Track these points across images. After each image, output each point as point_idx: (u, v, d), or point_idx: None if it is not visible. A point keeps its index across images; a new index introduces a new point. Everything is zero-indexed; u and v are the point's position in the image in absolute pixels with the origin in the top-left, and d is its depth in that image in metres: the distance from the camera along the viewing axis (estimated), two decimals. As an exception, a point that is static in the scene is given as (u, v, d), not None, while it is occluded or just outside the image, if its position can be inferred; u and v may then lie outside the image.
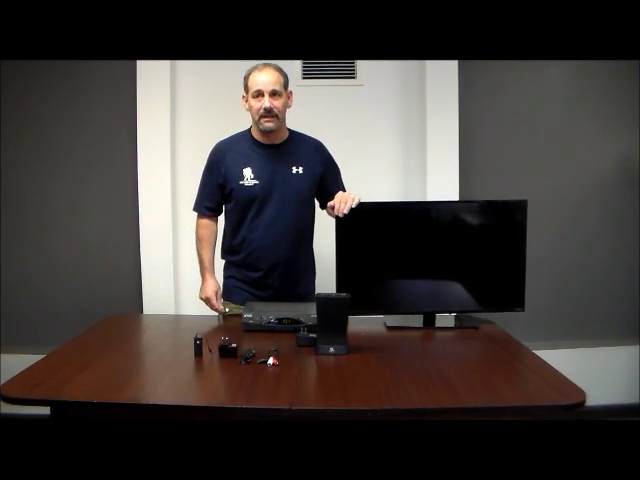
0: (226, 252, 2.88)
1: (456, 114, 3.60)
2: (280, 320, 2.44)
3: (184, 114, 3.71)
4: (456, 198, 3.55)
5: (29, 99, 3.64)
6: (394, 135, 3.76)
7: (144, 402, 1.79)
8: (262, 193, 2.70)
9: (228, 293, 2.87)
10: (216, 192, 2.80)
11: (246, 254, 2.78)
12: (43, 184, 3.71)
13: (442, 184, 3.61)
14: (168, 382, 1.94)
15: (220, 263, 2.92)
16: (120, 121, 3.66)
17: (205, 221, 2.87)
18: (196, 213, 2.89)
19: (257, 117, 2.66)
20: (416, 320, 2.61)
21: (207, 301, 2.80)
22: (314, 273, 2.96)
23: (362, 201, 2.52)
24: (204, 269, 2.86)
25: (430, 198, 3.56)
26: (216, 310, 2.79)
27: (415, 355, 2.30)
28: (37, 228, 3.73)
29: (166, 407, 1.77)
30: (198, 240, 2.88)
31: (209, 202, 2.83)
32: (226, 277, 2.90)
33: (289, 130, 2.81)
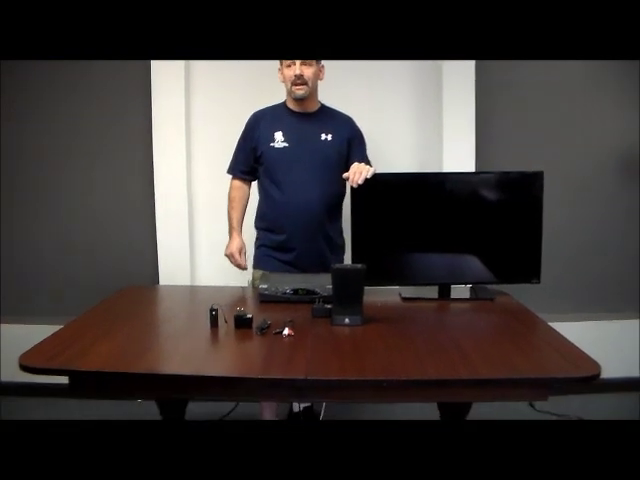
0: (258, 218, 2.97)
1: (472, 85, 3.55)
2: (296, 291, 2.45)
3: (199, 86, 3.67)
4: (472, 169, 3.53)
5: (41, 77, 3.62)
6: (410, 105, 3.72)
7: (160, 372, 1.82)
8: (291, 155, 2.80)
9: (258, 261, 2.95)
10: (250, 156, 2.91)
11: (273, 217, 2.86)
12: (58, 159, 3.70)
13: (458, 155, 3.58)
14: (184, 353, 1.95)
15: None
16: (134, 94, 3.63)
17: (238, 183, 2.98)
18: (230, 176, 3.00)
19: (289, 85, 2.78)
20: (431, 291, 2.61)
21: (231, 257, 2.91)
22: (343, 250, 3.00)
23: (377, 172, 2.51)
24: (232, 228, 2.95)
25: (446, 169, 3.53)
26: (239, 266, 2.90)
27: (430, 326, 2.30)
28: (54, 202, 3.74)
29: (182, 377, 1.78)
30: (230, 201, 2.98)
31: (243, 166, 2.95)
32: (257, 247, 2.97)
33: (321, 103, 2.92)
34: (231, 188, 2.98)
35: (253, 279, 2.92)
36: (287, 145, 2.80)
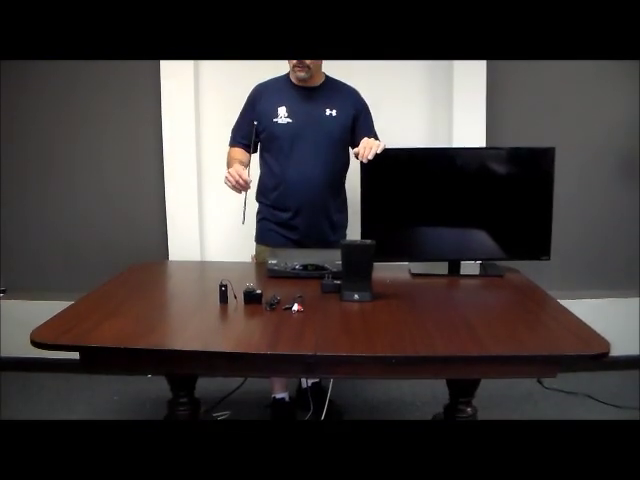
0: (260, 193, 2.92)
1: (484, 61, 3.53)
2: (305, 266, 2.45)
3: (207, 61, 3.65)
4: (483, 144, 3.50)
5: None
6: (420, 79, 3.69)
7: (170, 348, 1.82)
8: (295, 132, 2.75)
9: (261, 236, 2.92)
10: (251, 131, 2.82)
11: (277, 194, 2.82)
12: (69, 135, 3.70)
13: (469, 130, 3.55)
14: (193, 328, 1.96)
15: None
16: (143, 68, 3.61)
17: (237, 149, 2.87)
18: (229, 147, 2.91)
19: (291, 66, 2.73)
20: (441, 267, 2.61)
21: (233, 172, 2.52)
22: (345, 226, 2.98)
23: (387, 147, 2.50)
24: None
25: (456, 144, 3.51)
26: (240, 177, 2.49)
27: (440, 303, 2.30)
28: (64, 178, 3.74)
29: (191, 353, 1.79)
30: (229, 159, 2.83)
31: (243, 139, 2.87)
32: (258, 220, 2.94)
33: (326, 76, 2.86)
34: (229, 152, 2.86)
35: (257, 253, 2.91)
36: (291, 121, 2.75)
